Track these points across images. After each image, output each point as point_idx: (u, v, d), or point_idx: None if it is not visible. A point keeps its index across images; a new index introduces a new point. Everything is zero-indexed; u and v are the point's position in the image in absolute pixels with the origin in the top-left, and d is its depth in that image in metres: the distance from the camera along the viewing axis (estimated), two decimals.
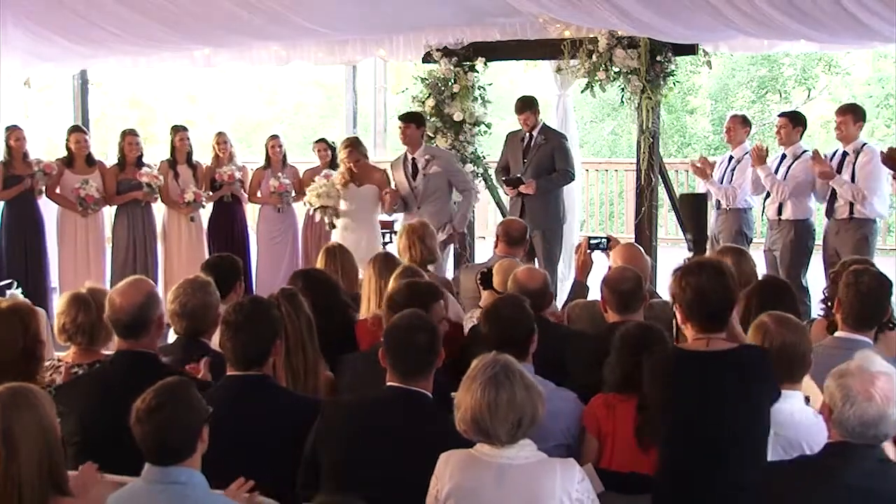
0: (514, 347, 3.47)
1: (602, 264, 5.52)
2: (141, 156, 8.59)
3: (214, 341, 4.27)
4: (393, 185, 7.97)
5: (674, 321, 4.82)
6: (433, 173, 7.79)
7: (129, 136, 8.65)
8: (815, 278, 7.27)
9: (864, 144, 7.12)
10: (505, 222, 6.28)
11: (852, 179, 7.03)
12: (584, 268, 5.45)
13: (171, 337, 4.36)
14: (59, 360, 4.04)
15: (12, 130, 8.47)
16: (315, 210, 7.94)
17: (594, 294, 5.21)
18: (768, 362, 3.32)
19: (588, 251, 5.48)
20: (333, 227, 8.00)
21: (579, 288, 5.40)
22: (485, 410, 2.94)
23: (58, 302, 4.22)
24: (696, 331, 3.38)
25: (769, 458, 3.26)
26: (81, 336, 4.01)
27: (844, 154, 7.17)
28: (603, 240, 5.54)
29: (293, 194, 8.71)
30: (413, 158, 7.88)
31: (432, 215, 7.48)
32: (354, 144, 8.09)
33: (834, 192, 7.15)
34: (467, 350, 4.04)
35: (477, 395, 2.95)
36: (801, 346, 3.43)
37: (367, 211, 7.95)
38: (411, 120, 7.94)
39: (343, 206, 7.87)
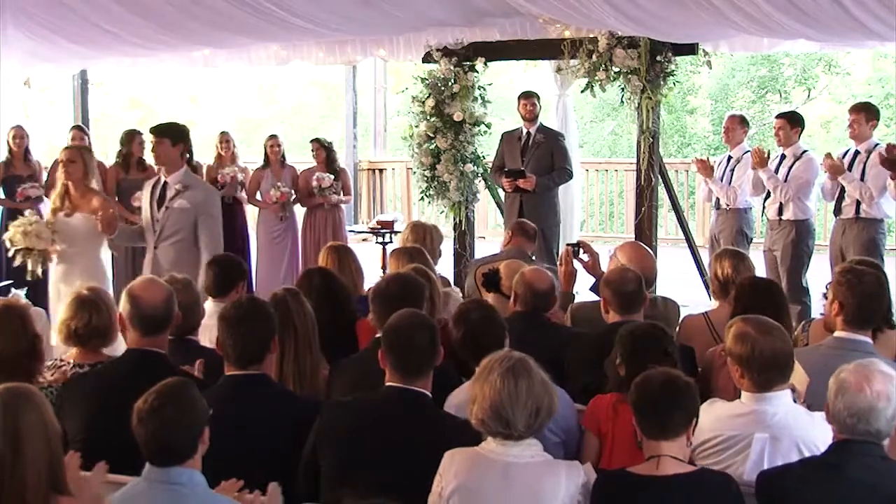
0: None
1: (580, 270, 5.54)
2: (141, 156, 8.59)
3: (209, 340, 4.27)
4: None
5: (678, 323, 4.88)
6: (178, 208, 5.87)
7: (133, 135, 8.62)
8: (816, 278, 7.27)
9: (877, 144, 7.08)
10: (517, 221, 6.46)
11: (862, 179, 7.02)
12: (570, 278, 5.42)
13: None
14: (60, 360, 4.02)
15: (13, 130, 8.48)
16: (16, 252, 5.96)
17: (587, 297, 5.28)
18: (737, 494, 2.99)
19: (571, 260, 5.45)
20: (36, 276, 6.04)
21: (565, 298, 5.29)
22: (505, 399, 2.97)
23: (62, 306, 4.11)
24: (641, 434, 3.06)
25: (770, 465, 3.22)
26: (97, 338, 3.95)
27: (856, 153, 7.17)
28: (576, 247, 5.50)
29: (294, 196, 8.75)
30: (165, 183, 5.96)
31: (172, 263, 5.74)
32: (80, 156, 6.14)
33: (842, 191, 7.16)
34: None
35: (497, 384, 2.98)
36: (788, 349, 3.39)
37: (88, 249, 6.10)
38: (164, 134, 5.93)
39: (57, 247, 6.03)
